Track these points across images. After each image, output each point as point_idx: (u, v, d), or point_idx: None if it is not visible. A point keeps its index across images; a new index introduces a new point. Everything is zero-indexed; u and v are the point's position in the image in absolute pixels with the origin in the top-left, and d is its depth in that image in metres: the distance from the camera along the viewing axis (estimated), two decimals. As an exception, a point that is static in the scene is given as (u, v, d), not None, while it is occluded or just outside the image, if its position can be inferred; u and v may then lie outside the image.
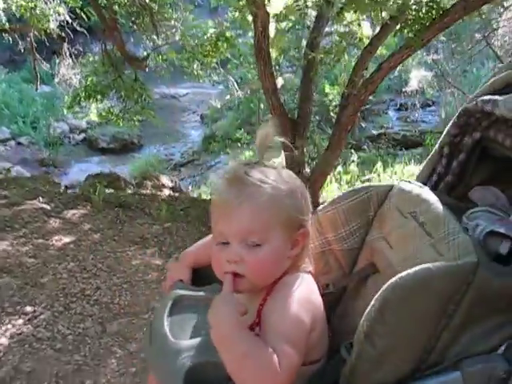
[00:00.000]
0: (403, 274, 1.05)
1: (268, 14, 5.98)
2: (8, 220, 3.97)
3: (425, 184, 1.50)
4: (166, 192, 6.47)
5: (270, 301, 1.15)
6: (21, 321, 2.84)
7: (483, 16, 7.74)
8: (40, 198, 4.43)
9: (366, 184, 1.48)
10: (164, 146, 14.87)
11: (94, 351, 2.65)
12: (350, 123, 6.73)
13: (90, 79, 8.91)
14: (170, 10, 8.93)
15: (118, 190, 5.58)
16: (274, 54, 6.97)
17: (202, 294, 1.32)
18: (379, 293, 1.07)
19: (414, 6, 5.19)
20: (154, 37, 10.60)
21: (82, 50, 18.11)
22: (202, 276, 1.43)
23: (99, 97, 8.81)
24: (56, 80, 11.62)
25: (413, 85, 13.68)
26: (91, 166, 13.22)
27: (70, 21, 9.27)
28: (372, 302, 1.08)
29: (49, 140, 14.15)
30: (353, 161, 9.52)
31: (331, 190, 7.96)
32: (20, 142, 13.81)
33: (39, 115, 14.82)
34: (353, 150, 10.62)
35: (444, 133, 1.52)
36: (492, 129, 1.35)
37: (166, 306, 1.26)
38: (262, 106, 13.95)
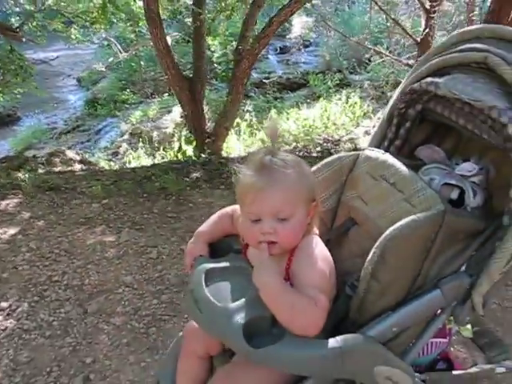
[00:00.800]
0: (395, 226, 1.41)
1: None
2: None
3: (378, 147, 1.88)
4: (78, 166, 6.51)
5: (295, 260, 1.48)
6: (0, 317, 2.96)
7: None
8: (-36, 192, 4.41)
9: (336, 156, 1.82)
10: (44, 115, 14.22)
11: (83, 331, 2.84)
12: (246, 77, 7.04)
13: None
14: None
15: (31, 171, 5.57)
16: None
17: (224, 264, 1.62)
18: (378, 242, 1.42)
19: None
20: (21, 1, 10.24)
21: None
22: (216, 249, 1.73)
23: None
24: None
25: (296, 31, 14.08)
26: (-34, 146, 12.67)
27: None
28: (373, 250, 1.44)
29: None
30: (247, 110, 9.80)
31: (231, 142, 8.22)
32: None
33: None
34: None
35: (389, 106, 1.88)
36: (431, 102, 1.73)
37: (200, 278, 1.55)
38: (142, 63, 13.91)
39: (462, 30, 1.75)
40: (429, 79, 1.67)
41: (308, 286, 1.40)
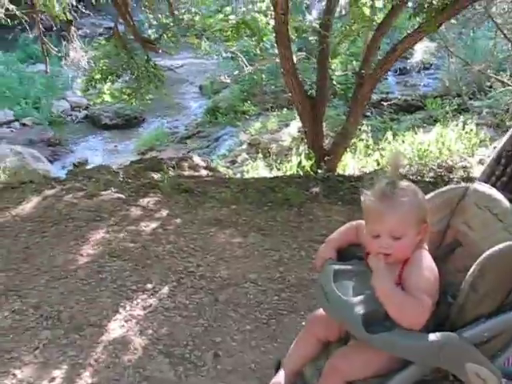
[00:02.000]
0: (494, 248, 1.74)
1: (287, 2, 6.51)
2: (94, 210, 4.64)
3: (486, 182, 2.21)
4: (204, 172, 7.14)
5: (407, 269, 1.85)
6: (145, 296, 3.52)
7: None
8: (112, 188, 5.09)
9: (449, 186, 2.17)
10: (167, 119, 15.09)
11: (214, 316, 3.35)
12: (366, 100, 7.37)
13: (102, 61, 9.45)
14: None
15: (163, 173, 6.21)
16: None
17: (349, 267, 2.02)
18: (478, 260, 1.76)
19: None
20: (159, 15, 11.05)
21: (88, 31, 18.40)
22: (342, 255, 2.13)
23: (112, 78, 9.36)
24: (63, 62, 11.82)
25: (417, 56, 14.18)
26: (96, 144, 13.74)
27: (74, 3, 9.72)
28: (473, 266, 1.78)
29: (52, 119, 14.37)
30: (364, 130, 10.06)
31: (346, 159, 8.53)
32: (24, 123, 13.98)
33: (40, 95, 14.96)
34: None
35: (499, 147, 2.20)
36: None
37: (330, 276, 1.95)
38: (263, 76, 14.44)
39: None
40: (534, 129, 1.99)
41: (415, 289, 1.78)
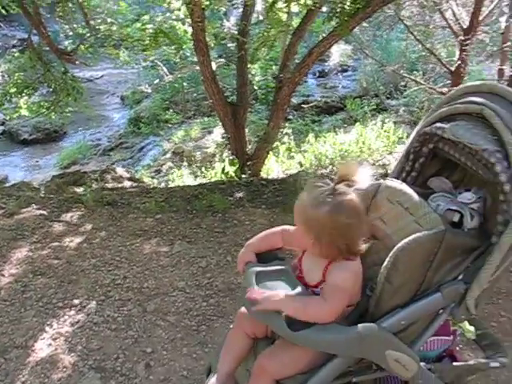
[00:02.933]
0: (405, 240, 1.83)
1: (203, 10, 6.54)
2: (15, 229, 4.51)
3: (397, 178, 2.31)
4: (127, 183, 7.06)
5: (331, 267, 1.92)
6: (73, 312, 3.46)
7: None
8: (34, 204, 4.96)
9: (362, 184, 2.25)
10: (89, 132, 14.81)
11: (143, 326, 3.33)
12: (286, 103, 7.49)
13: (17, 75, 9.17)
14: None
15: (86, 186, 6.11)
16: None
17: (271, 268, 2.07)
18: (391, 253, 1.84)
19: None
20: (75, 25, 10.83)
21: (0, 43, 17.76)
22: (263, 258, 2.17)
23: (29, 91, 9.10)
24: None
25: (334, 58, 14.53)
26: (16, 160, 13.21)
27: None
28: (387, 259, 1.86)
29: (-34, 136, 13.65)
30: (286, 133, 10.22)
31: (270, 163, 8.65)
32: None
33: (-49, 113, 14.38)
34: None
35: (408, 145, 2.31)
36: (440, 142, 2.16)
37: (252, 278, 1.99)
38: (184, 84, 14.41)
39: (467, 84, 2.18)
40: (438, 124, 2.10)
41: (330, 284, 1.87)
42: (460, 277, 1.93)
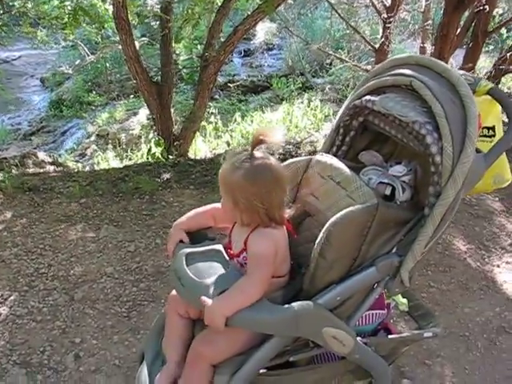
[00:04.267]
0: (337, 215, 1.80)
1: (125, -17, 6.30)
2: None
3: (327, 152, 2.27)
4: (50, 168, 6.77)
5: (251, 236, 1.86)
6: (-7, 304, 3.28)
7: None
8: None
9: (292, 160, 2.20)
10: (8, 116, 13.90)
11: (71, 316, 3.17)
12: (212, 82, 7.35)
13: None
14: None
15: (5, 172, 5.81)
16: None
17: (202, 249, 1.99)
18: (324, 228, 1.80)
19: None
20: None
21: None
22: (193, 238, 2.09)
23: None
24: None
25: (260, 36, 14.46)
26: None
27: None
28: (320, 235, 1.82)
29: None
30: (212, 113, 10.11)
31: (198, 144, 8.51)
32: None
33: None
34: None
35: (337, 119, 2.27)
36: (370, 115, 2.13)
37: (182, 259, 1.91)
38: (107, 65, 14.02)
39: (394, 57, 2.16)
40: (367, 97, 2.07)
41: (250, 255, 1.85)
42: (394, 250, 1.93)
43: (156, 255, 3.80)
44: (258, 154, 1.87)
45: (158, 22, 8.01)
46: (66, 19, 7.88)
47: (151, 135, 8.56)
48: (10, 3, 8.60)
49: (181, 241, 2.05)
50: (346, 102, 2.25)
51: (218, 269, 1.88)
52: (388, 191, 2.01)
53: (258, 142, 1.86)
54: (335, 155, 2.24)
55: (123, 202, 4.61)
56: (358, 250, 1.86)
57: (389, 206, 1.91)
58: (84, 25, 9.54)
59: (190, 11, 7.57)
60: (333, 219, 1.80)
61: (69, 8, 7.80)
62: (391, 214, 1.89)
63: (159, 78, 7.73)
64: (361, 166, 2.16)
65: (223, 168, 1.88)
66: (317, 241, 1.84)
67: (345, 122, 2.23)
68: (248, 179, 1.82)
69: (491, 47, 12.43)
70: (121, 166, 6.78)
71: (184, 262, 1.91)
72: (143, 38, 9.70)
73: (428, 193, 1.86)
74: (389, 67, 2.13)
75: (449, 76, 1.87)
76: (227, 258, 1.93)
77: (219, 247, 1.98)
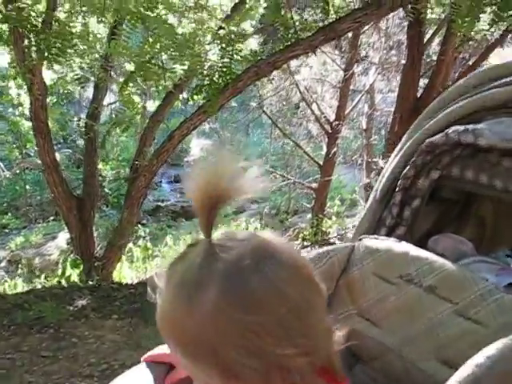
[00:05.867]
0: (463, 371, 0.74)
1: (45, 83, 5.56)
2: None
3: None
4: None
5: None
6: None
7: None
8: None
9: (325, 249, 1.13)
10: None
11: None
12: (142, 195, 6.45)
13: None
14: None
15: None
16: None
17: None
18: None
19: (205, 72, 5.14)
20: None
21: None
22: None
23: None
24: None
25: (195, 153, 13.95)
26: None
27: None
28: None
29: None
30: (141, 236, 9.22)
31: (123, 270, 7.44)
32: None
33: None
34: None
35: (383, 181, 1.26)
36: (456, 165, 1.14)
37: None
38: (27, 187, 13.26)
39: (483, 68, 1.23)
40: (461, 127, 1.09)
41: None
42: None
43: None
44: (229, 234, 0.77)
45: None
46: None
47: (69, 259, 7.50)
48: None
49: None
50: (401, 148, 1.26)
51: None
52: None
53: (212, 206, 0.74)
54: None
55: (16, 339, 3.29)
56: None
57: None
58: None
59: (119, 115, 6.80)
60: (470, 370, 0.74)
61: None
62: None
63: (81, 192, 6.78)
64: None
65: (165, 295, 0.72)
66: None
67: (404, 182, 1.22)
68: (239, 299, 0.69)
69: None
70: (22, 291, 5.49)
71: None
72: (66, 150, 8.96)
73: None
74: (477, 84, 1.18)
75: None
76: None
77: None
